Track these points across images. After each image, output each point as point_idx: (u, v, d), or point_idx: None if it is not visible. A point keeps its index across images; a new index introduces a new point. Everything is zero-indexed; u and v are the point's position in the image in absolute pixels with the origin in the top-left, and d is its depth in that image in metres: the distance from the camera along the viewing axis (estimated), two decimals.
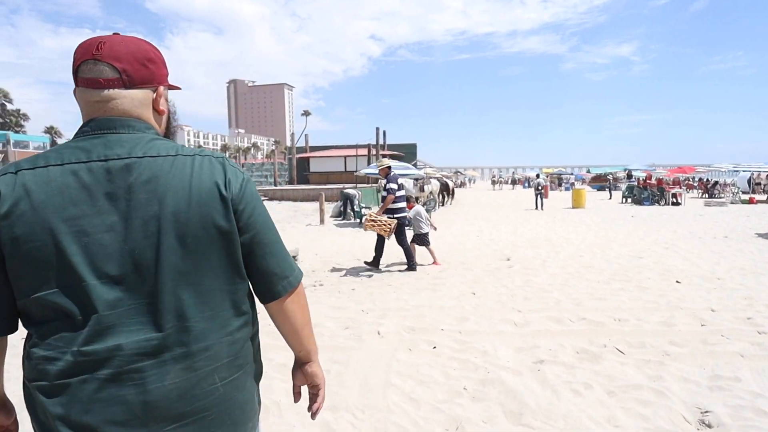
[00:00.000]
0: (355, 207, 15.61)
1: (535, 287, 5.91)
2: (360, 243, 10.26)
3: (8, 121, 77.88)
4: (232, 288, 1.02)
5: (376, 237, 7.28)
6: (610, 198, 27.69)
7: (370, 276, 6.83)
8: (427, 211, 13.06)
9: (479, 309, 4.98)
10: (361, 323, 4.53)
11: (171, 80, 1.13)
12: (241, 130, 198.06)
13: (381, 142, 33.43)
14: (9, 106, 79.74)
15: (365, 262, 7.40)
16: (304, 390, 1.25)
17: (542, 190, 19.57)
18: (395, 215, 7.03)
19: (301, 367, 1.20)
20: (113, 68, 0.98)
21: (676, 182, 24.51)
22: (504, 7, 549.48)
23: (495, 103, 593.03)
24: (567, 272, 6.83)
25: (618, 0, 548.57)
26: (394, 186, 6.99)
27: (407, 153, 38.57)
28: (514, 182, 61.76)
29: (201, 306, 0.96)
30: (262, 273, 1.06)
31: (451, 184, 23.36)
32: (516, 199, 27.44)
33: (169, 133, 1.14)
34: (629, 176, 43.12)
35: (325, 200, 16.38)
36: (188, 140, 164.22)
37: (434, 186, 19.86)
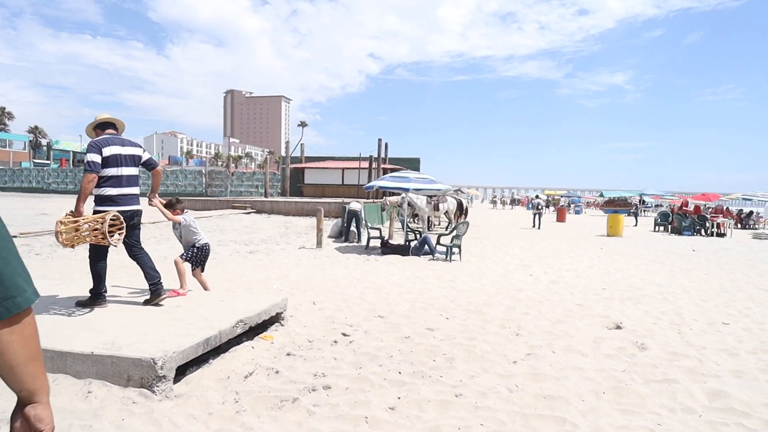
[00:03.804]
0: (361, 225, 12.73)
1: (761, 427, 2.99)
2: (375, 280, 7.30)
3: None
4: None
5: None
6: (636, 225, 25.14)
7: (410, 358, 3.87)
8: (457, 237, 10.15)
9: None
10: None
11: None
12: (236, 140, 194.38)
13: (383, 155, 30.81)
14: None
15: (78, 303, 4.18)
16: None
17: (541, 210, 21.31)
18: (120, 207, 4.07)
19: (22, 409, 0.93)
20: None
21: (719, 210, 21.88)
22: (502, 32, 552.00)
23: (492, 123, 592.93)
24: (758, 368, 3.93)
25: (613, 30, 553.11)
26: (95, 158, 3.92)
27: (410, 168, 35.93)
28: (513, 202, 59.32)
29: None
30: None
31: (465, 203, 20.56)
32: (527, 221, 24.60)
33: None
34: (642, 202, 40.84)
35: (323, 216, 13.47)
36: (181, 147, 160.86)
37: (450, 205, 16.96)
